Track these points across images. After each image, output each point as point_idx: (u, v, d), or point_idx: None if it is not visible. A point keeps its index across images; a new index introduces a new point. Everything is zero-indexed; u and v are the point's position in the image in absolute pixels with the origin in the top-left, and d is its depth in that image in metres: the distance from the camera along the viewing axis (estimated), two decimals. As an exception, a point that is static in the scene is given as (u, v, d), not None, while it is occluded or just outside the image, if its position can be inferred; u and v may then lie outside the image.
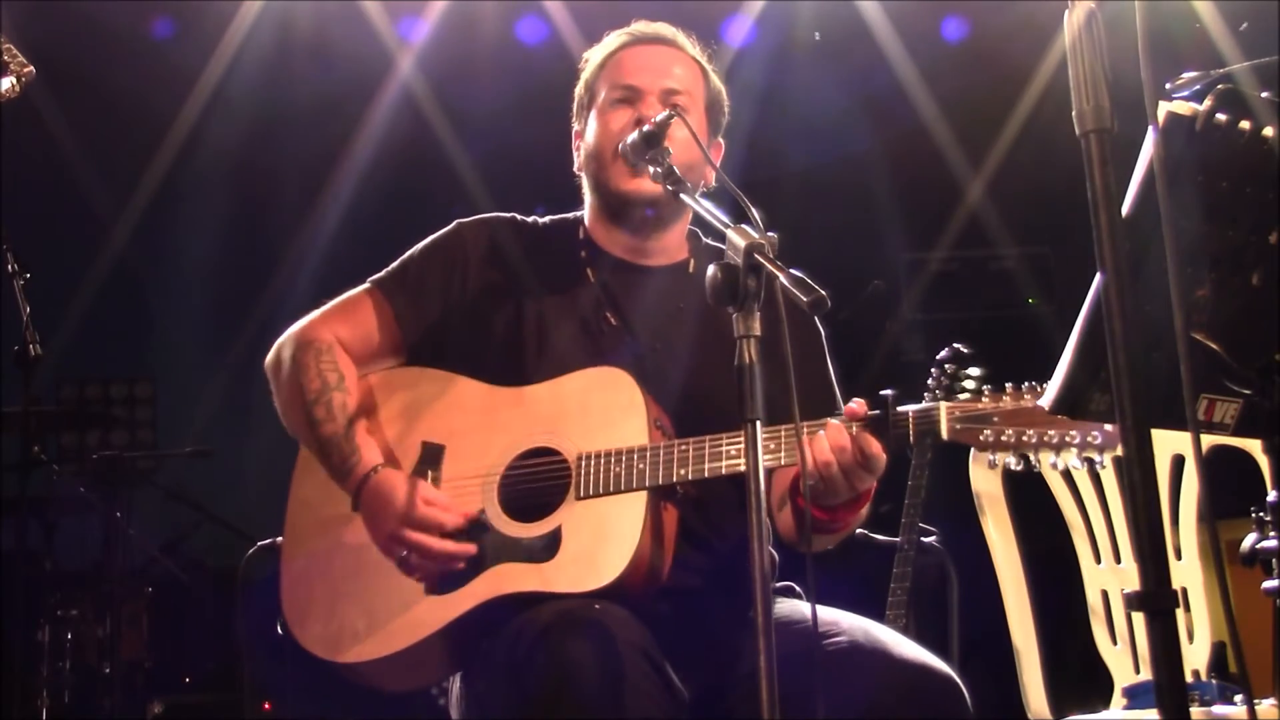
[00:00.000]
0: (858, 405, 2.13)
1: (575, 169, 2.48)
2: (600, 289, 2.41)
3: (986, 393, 2.09)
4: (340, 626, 2.26)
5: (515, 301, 2.39)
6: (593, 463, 2.20)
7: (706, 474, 2.14)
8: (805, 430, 2.08)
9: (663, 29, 2.47)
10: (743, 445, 2.00)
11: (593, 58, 2.49)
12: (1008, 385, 2.09)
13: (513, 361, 2.35)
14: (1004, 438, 2.05)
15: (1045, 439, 2.04)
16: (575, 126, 2.49)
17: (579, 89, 2.49)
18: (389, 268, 2.45)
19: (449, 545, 2.20)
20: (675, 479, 2.16)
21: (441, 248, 2.45)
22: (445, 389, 2.37)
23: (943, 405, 2.09)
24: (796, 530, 2.32)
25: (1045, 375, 1.97)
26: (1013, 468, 2.09)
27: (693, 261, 2.48)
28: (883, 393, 2.13)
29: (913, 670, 2.10)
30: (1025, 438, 2.04)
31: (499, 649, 2.10)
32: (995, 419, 2.06)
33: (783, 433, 2.12)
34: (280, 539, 2.41)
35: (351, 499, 2.29)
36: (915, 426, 2.09)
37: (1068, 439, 2.04)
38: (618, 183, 2.34)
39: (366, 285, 2.45)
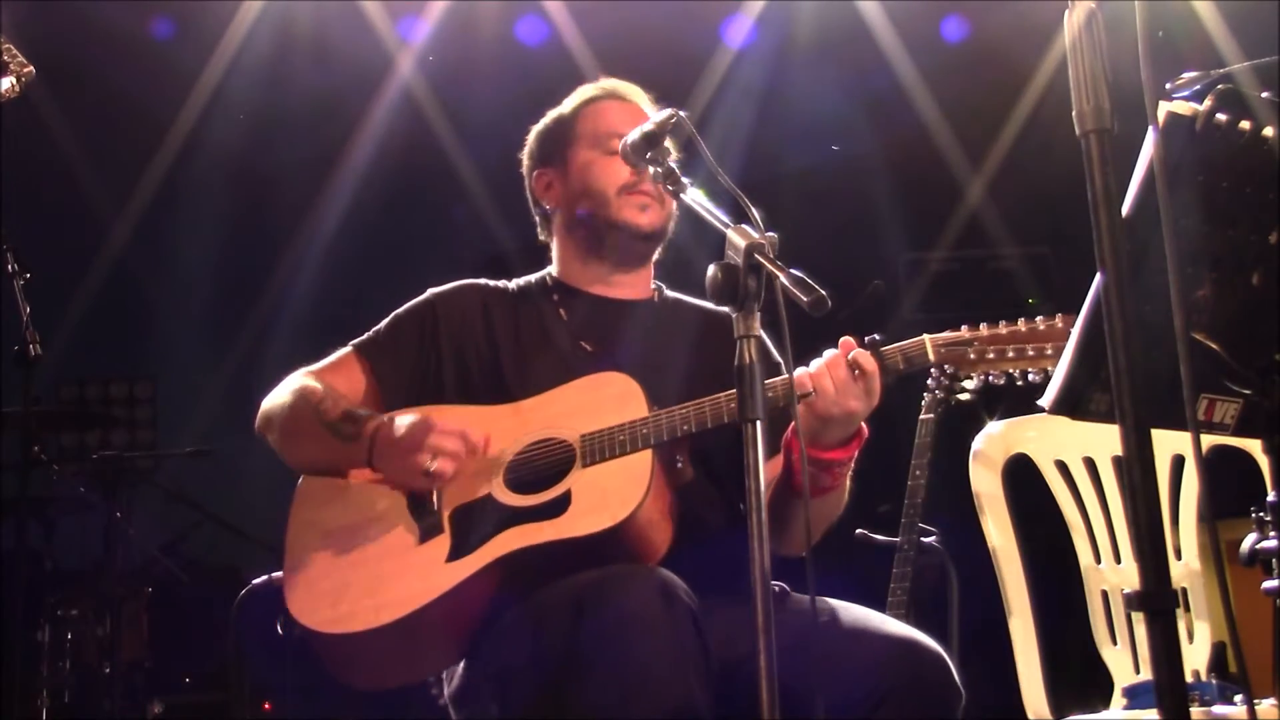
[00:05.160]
0: (849, 339, 2.25)
1: (549, 206, 2.59)
2: (574, 323, 2.51)
3: (964, 328, 2.29)
4: (352, 606, 2.25)
5: (491, 352, 2.48)
6: (596, 437, 2.26)
7: (710, 424, 2.21)
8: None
9: (631, 89, 2.60)
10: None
11: (566, 104, 2.62)
12: (982, 323, 2.29)
13: (496, 403, 2.41)
14: (987, 356, 2.25)
15: (1022, 353, 2.24)
16: (537, 170, 2.61)
17: (548, 135, 2.61)
18: (366, 333, 2.55)
19: (472, 432, 2.27)
20: (680, 434, 2.22)
21: (415, 313, 2.55)
22: (440, 415, 2.40)
23: (926, 337, 2.25)
24: (786, 492, 2.33)
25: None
26: (995, 382, 2.30)
27: (657, 295, 2.61)
28: (869, 337, 2.25)
29: (899, 644, 2.14)
30: (1009, 354, 2.25)
31: (521, 620, 2.10)
32: (975, 343, 2.26)
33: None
34: (275, 574, 2.42)
35: (366, 453, 2.32)
36: (904, 355, 2.24)
37: (1047, 351, 2.24)
38: (625, 216, 2.47)
39: (347, 348, 2.54)
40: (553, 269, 2.63)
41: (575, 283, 2.58)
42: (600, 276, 2.56)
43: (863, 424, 2.29)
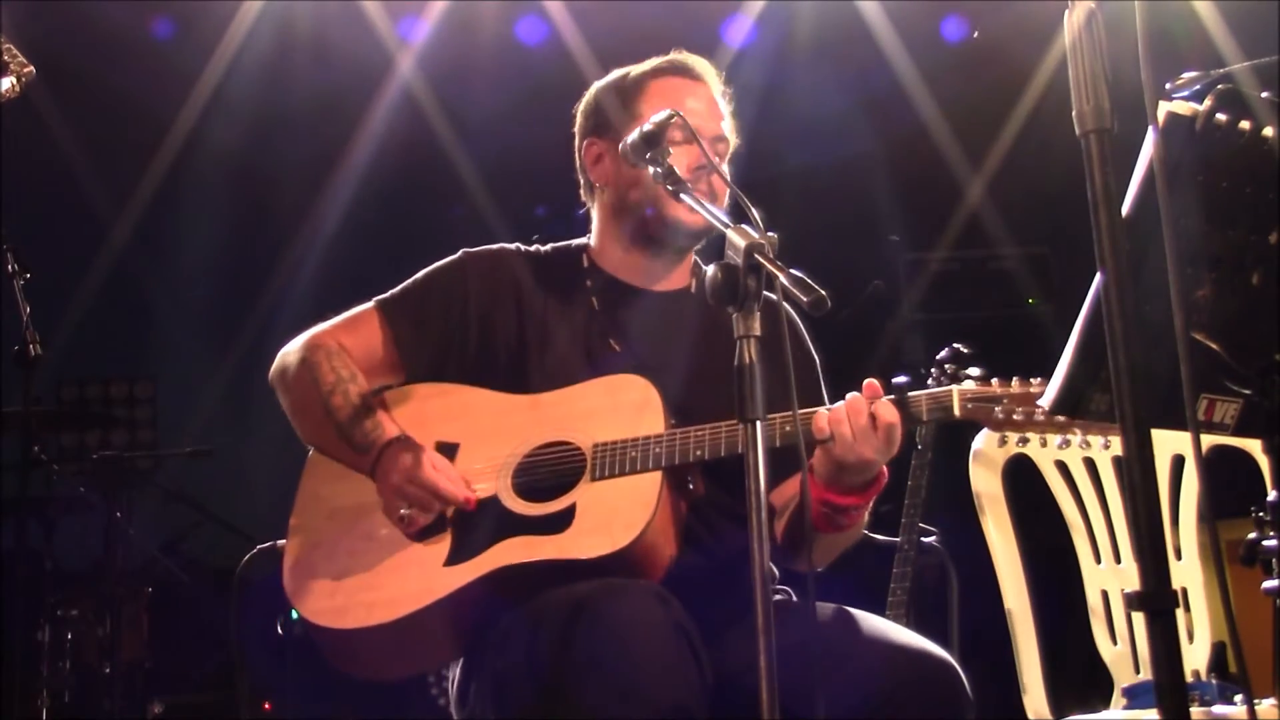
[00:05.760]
0: (873, 382, 2.18)
1: (597, 182, 2.47)
2: (603, 314, 2.43)
3: (995, 381, 2.19)
4: (347, 600, 2.25)
5: (518, 329, 2.41)
6: (609, 449, 2.23)
7: (723, 452, 2.17)
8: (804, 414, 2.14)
9: (704, 66, 2.47)
10: None
11: (633, 70, 2.47)
12: (1014, 378, 2.19)
13: (517, 385, 2.37)
14: (1015, 416, 2.16)
15: (1052, 420, 2.13)
16: (589, 139, 2.48)
17: (606, 103, 2.46)
18: (394, 289, 2.47)
19: (448, 486, 2.22)
20: (691, 459, 2.18)
21: (445, 274, 2.47)
22: (457, 398, 2.39)
23: (954, 388, 2.18)
24: (800, 523, 2.31)
25: (1045, 375, 2.05)
26: (1017, 445, 2.24)
27: (693, 284, 2.52)
28: (895, 380, 2.19)
29: (910, 655, 2.13)
30: (1036, 417, 2.15)
31: (521, 623, 2.08)
32: (1004, 399, 2.16)
33: (778, 420, 2.16)
34: (280, 542, 2.41)
35: (370, 467, 2.30)
36: (928, 407, 2.16)
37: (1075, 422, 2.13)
38: (674, 211, 2.33)
39: (370, 304, 2.47)
40: (591, 240, 2.52)
41: (611, 268, 2.47)
42: (638, 266, 2.46)
43: (884, 467, 2.22)
